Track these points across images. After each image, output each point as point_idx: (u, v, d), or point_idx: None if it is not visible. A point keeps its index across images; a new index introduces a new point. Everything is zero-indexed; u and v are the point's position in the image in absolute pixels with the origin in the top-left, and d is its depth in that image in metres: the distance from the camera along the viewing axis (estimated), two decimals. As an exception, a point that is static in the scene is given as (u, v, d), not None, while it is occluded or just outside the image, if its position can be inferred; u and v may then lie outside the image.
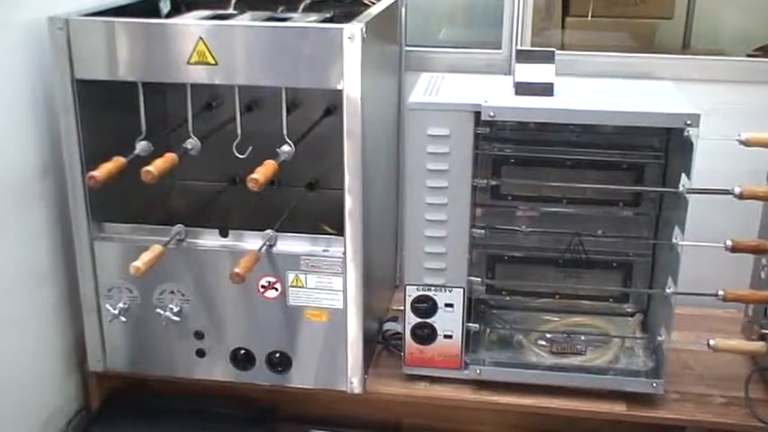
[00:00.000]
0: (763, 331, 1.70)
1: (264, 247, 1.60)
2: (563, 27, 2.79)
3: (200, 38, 1.48)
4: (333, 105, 1.82)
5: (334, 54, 1.47)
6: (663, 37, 2.87)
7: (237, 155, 1.60)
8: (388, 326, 1.88)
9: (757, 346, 1.65)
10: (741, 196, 1.55)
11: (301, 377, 1.70)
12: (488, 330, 1.79)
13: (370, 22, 1.54)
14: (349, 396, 1.70)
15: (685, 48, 2.91)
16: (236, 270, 1.49)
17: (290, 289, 1.63)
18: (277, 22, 1.64)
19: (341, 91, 1.49)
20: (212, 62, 1.49)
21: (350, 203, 1.56)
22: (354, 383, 1.69)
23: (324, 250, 1.62)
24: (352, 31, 1.46)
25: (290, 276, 1.63)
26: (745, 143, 1.55)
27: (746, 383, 1.69)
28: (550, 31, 2.76)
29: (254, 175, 1.43)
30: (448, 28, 2.21)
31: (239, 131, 1.60)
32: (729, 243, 1.58)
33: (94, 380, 1.80)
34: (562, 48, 2.55)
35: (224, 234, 1.64)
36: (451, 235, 1.62)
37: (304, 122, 1.78)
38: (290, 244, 1.63)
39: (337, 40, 1.46)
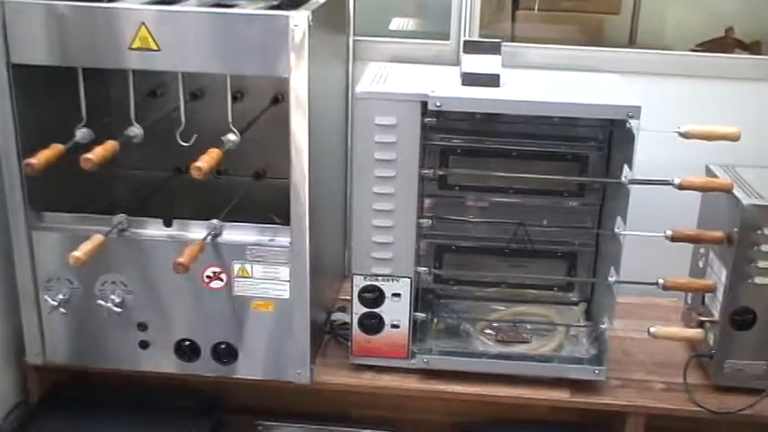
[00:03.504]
0: (701, 319, 1.74)
1: (209, 237, 1.58)
2: (513, 20, 2.81)
3: (143, 23, 1.45)
4: (280, 94, 1.81)
5: (281, 42, 1.46)
6: (611, 32, 2.91)
7: (182, 143, 1.57)
8: (336, 316, 1.87)
9: (695, 333, 1.69)
10: (680, 187, 1.59)
11: (248, 368, 1.69)
12: (435, 320, 1.80)
13: (318, 10, 1.53)
14: (296, 387, 1.69)
15: (632, 42, 2.95)
16: (180, 260, 1.47)
17: (236, 279, 1.62)
18: (223, 8, 1.62)
19: (287, 79, 1.48)
20: (155, 48, 1.47)
21: (296, 193, 1.55)
22: (301, 374, 1.68)
23: (270, 240, 1.61)
24: (299, 18, 1.44)
25: (236, 266, 1.61)
26: (685, 135, 1.58)
27: (685, 369, 1.73)
28: (501, 23, 2.78)
29: (198, 164, 1.41)
30: (398, 18, 2.20)
31: (183, 119, 1.58)
32: (669, 233, 1.61)
33: (34, 373, 1.76)
34: (513, 40, 2.57)
35: (168, 223, 1.62)
36: (399, 225, 1.63)
37: (251, 111, 1.77)
38: (235, 234, 1.61)
39: (283, 28, 1.45)
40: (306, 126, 1.51)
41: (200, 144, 1.55)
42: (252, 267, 1.61)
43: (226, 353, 1.67)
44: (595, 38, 2.68)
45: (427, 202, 1.75)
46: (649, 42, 2.84)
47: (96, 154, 1.42)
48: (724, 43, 2.61)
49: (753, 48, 2.62)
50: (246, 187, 1.87)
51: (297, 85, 1.48)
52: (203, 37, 1.47)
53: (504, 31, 2.64)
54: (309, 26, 1.45)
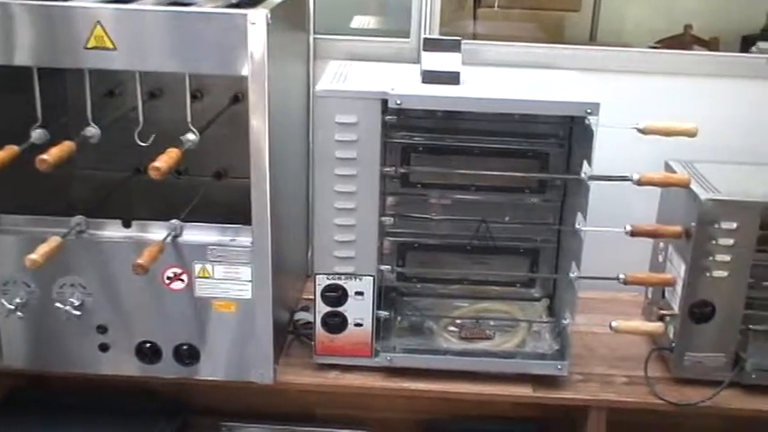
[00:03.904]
0: (662, 312, 1.76)
1: (169, 238, 1.57)
2: (475, 18, 2.83)
3: (98, 22, 1.43)
4: (240, 93, 1.79)
5: (239, 40, 1.44)
6: (571, 29, 2.95)
7: (140, 143, 1.55)
8: (300, 315, 1.86)
9: (656, 326, 1.71)
10: (639, 183, 1.60)
11: (210, 369, 1.67)
12: (399, 318, 1.81)
13: (277, 8, 1.52)
14: (260, 387, 1.68)
15: (593, 40, 2.99)
16: (139, 261, 1.45)
17: (197, 280, 1.60)
18: (180, 6, 1.60)
19: (246, 78, 1.46)
20: (111, 47, 1.44)
21: (256, 192, 1.54)
22: (264, 374, 1.67)
23: (231, 240, 1.60)
24: (257, 16, 1.43)
25: (197, 267, 1.60)
26: (643, 131, 1.60)
27: (646, 363, 1.75)
28: (463, 21, 2.79)
29: (157, 164, 1.40)
30: (359, 16, 2.20)
31: (141, 119, 1.56)
32: (629, 228, 1.63)
33: (-8, 377, 1.73)
34: (474, 38, 2.59)
35: (127, 225, 1.60)
36: (361, 223, 1.62)
37: (212, 110, 1.75)
38: (196, 234, 1.60)
39: (241, 26, 1.43)
40: (266, 125, 1.50)
41: (160, 144, 1.53)
42: (213, 268, 1.60)
43: (188, 354, 1.65)
44: (556, 35, 2.72)
45: (389, 200, 1.75)
46: (610, 39, 2.88)
47: (52, 155, 1.39)
48: (683, 40, 2.66)
49: (711, 44, 2.68)
50: (207, 187, 1.86)
51: (256, 83, 1.47)
52: (160, 36, 1.45)
53: (466, 29, 2.66)
54: (268, 24, 1.44)
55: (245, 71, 1.46)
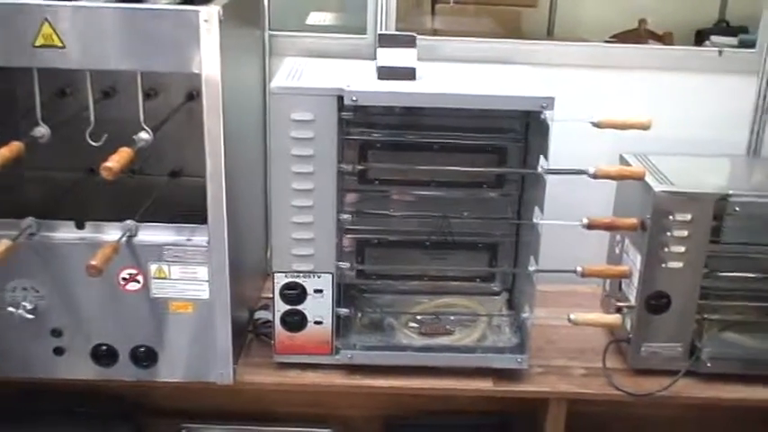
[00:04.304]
0: (619, 304, 1.78)
1: (124, 238, 1.54)
2: (433, 13, 2.83)
3: (46, 19, 1.40)
4: (195, 91, 1.77)
5: (191, 37, 1.43)
6: (529, 24, 2.96)
7: (92, 143, 1.53)
8: (259, 314, 1.85)
9: (613, 318, 1.72)
10: (595, 176, 1.61)
11: (169, 371, 1.65)
12: (359, 315, 1.80)
13: (229, 4, 1.51)
14: (220, 387, 1.66)
15: (550, 35, 3.01)
16: (92, 262, 1.42)
17: (153, 280, 1.58)
18: (131, 3, 1.58)
19: (199, 75, 1.45)
20: (60, 45, 1.42)
21: (212, 191, 1.52)
22: (224, 374, 1.65)
23: (187, 240, 1.58)
24: (209, 13, 1.42)
25: (153, 268, 1.58)
26: (598, 125, 1.61)
27: (604, 354, 1.77)
28: (421, 17, 2.80)
29: (108, 164, 1.37)
30: (315, 12, 2.19)
31: (92, 118, 1.53)
32: (585, 221, 1.64)
33: (-59, 384, 1.69)
34: (433, 34, 2.59)
35: (80, 226, 1.57)
36: (318, 221, 1.61)
37: (167, 108, 1.73)
38: (151, 234, 1.58)
39: (193, 23, 1.42)
40: (220, 123, 1.49)
41: (114, 143, 1.50)
42: (169, 268, 1.58)
43: (145, 356, 1.63)
44: (514, 31, 2.73)
45: (348, 197, 1.75)
46: (566, 34, 2.90)
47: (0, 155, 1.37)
48: (638, 35, 2.68)
49: (665, 38, 2.71)
50: (163, 186, 1.83)
51: (209, 81, 1.46)
52: (110, 33, 1.43)
53: (425, 25, 2.66)
54: (220, 21, 1.42)
55: (197, 69, 1.44)
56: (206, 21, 1.42)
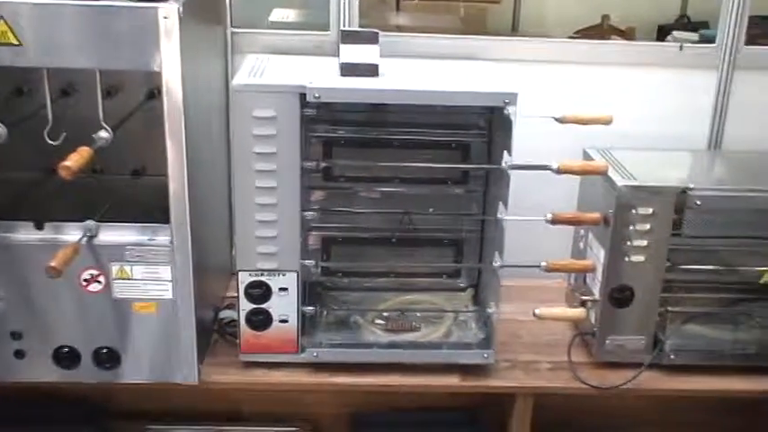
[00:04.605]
0: (583, 298, 1.79)
1: (85, 239, 1.52)
2: (398, 9, 2.83)
3: (1, 16, 1.38)
4: (156, 89, 1.74)
5: (151, 34, 1.41)
6: (494, 20, 2.97)
7: (50, 142, 1.50)
8: (225, 314, 1.83)
9: (578, 312, 1.74)
10: (559, 171, 1.62)
11: (133, 372, 1.63)
12: (325, 312, 1.80)
13: (190, 1, 1.49)
14: (185, 388, 1.65)
15: (515, 30, 3.03)
16: (52, 264, 1.40)
17: (115, 281, 1.56)
18: (89, 0, 1.56)
19: (160, 73, 1.43)
20: (16, 43, 1.39)
21: (174, 189, 1.51)
22: (189, 375, 1.64)
23: (150, 239, 1.56)
24: (169, 10, 1.40)
25: (115, 268, 1.56)
26: (561, 121, 1.62)
27: (569, 348, 1.78)
28: (386, 13, 2.79)
29: (66, 163, 1.35)
30: (279, 9, 2.17)
31: (50, 117, 1.51)
32: (549, 216, 1.65)
33: None
34: (399, 30, 2.59)
35: (39, 226, 1.55)
36: (282, 218, 1.60)
37: (128, 107, 1.70)
38: (113, 234, 1.56)
39: (152, 20, 1.40)
40: (182, 121, 1.47)
41: (73, 142, 1.48)
42: (131, 268, 1.56)
43: (108, 358, 1.61)
44: (479, 27, 2.74)
45: (313, 194, 1.74)
46: (531, 30, 2.91)
47: (-46, 156, 1.34)
48: (601, 30, 2.71)
49: (627, 34, 2.73)
50: (124, 186, 1.81)
51: (170, 79, 1.44)
52: (68, 30, 1.41)
53: (389, 21, 2.66)
54: (180, 18, 1.41)
55: (157, 66, 1.43)
56: (166, 18, 1.40)
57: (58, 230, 1.55)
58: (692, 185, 1.67)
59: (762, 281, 1.76)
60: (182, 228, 1.53)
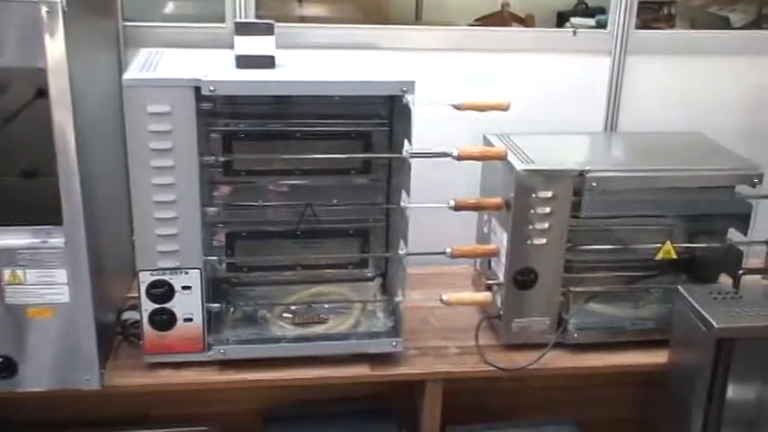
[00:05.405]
0: (489, 282, 1.82)
1: (-28, 244, 1.46)
2: (300, 1, 2.80)
3: None
4: (45, 86, 1.69)
5: (33, 29, 1.36)
6: (398, 10, 2.97)
7: (-71, 144, 1.44)
8: (128, 315, 1.79)
9: (484, 296, 1.77)
10: (459, 158, 1.64)
11: (31, 380, 1.57)
12: (232, 309, 1.77)
13: (75, -6, 1.44)
14: (88, 393, 1.60)
15: (419, 20, 3.03)
16: (-65, 272, 1.34)
17: (7, 286, 1.50)
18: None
19: (45, 70, 1.38)
20: None
21: (66, 190, 1.46)
22: (91, 380, 1.59)
23: (43, 242, 1.50)
24: (50, 4, 1.35)
25: (6, 273, 1.50)
26: (458, 107, 1.64)
27: (477, 332, 1.81)
28: (288, 4, 2.76)
29: (-55, 165, 1.29)
30: (173, 1, 2.12)
31: (-72, 117, 1.44)
32: (452, 202, 1.66)
33: None
34: (302, 21, 2.56)
35: None
36: (182, 215, 1.57)
37: (15, 106, 1.64)
38: (3, 238, 1.50)
39: (34, 14, 1.35)
40: (70, 119, 1.43)
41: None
42: (24, 272, 1.50)
43: (3, 366, 1.55)
44: (381, 17, 2.73)
45: (215, 189, 1.71)
46: (434, 19, 2.93)
47: None
48: (501, 17, 2.74)
49: (527, 21, 2.78)
50: (15, 187, 1.74)
51: (56, 75, 1.39)
52: (-56, 27, 1.35)
53: (292, 12, 2.62)
54: (64, 11, 1.36)
55: (42, 63, 1.38)
56: (48, 12, 1.35)
57: (-57, 236, 1.48)
58: (588, 167, 1.71)
59: (657, 257, 1.82)
60: (76, 229, 1.48)
